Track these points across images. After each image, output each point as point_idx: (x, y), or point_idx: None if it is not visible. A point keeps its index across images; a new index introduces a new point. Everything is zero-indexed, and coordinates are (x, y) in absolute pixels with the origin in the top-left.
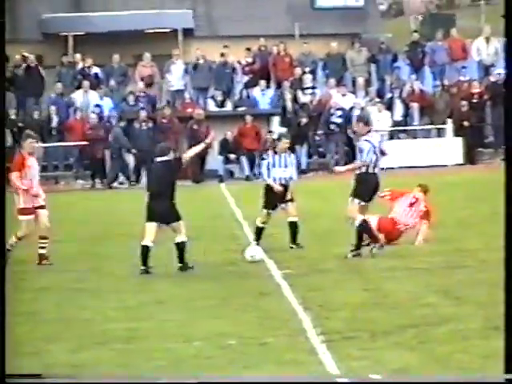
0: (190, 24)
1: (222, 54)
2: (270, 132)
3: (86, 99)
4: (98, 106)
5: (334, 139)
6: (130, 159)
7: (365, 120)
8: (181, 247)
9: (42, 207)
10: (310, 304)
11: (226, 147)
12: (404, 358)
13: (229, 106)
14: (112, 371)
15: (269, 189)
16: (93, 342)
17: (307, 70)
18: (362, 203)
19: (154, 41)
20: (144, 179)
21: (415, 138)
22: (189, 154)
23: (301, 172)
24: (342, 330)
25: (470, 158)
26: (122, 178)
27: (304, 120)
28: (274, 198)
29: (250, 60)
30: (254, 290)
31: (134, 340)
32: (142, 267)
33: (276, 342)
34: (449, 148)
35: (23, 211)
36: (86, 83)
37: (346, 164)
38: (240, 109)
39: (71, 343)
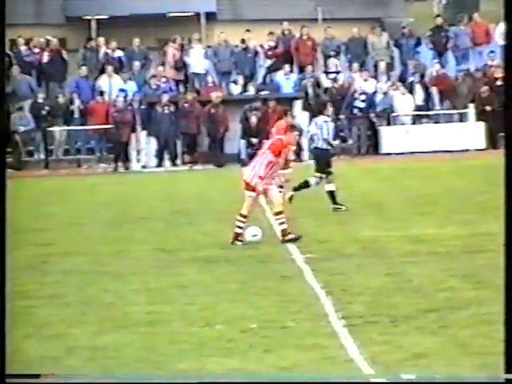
0: (213, 8)
1: (243, 41)
2: (292, 116)
3: (110, 83)
4: (122, 90)
5: (357, 123)
6: (153, 143)
7: None
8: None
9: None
10: (332, 288)
11: (247, 131)
12: (425, 342)
13: (251, 90)
14: (135, 354)
15: None
16: (115, 325)
17: (331, 54)
18: None
19: (177, 24)
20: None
21: (437, 122)
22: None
23: None
24: (363, 314)
25: (492, 142)
26: (143, 161)
27: None
28: None
29: (272, 44)
30: (276, 274)
31: (156, 323)
32: None
33: (297, 325)
34: (471, 133)
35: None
36: (109, 68)
37: (368, 148)
38: (262, 93)
39: (93, 326)
